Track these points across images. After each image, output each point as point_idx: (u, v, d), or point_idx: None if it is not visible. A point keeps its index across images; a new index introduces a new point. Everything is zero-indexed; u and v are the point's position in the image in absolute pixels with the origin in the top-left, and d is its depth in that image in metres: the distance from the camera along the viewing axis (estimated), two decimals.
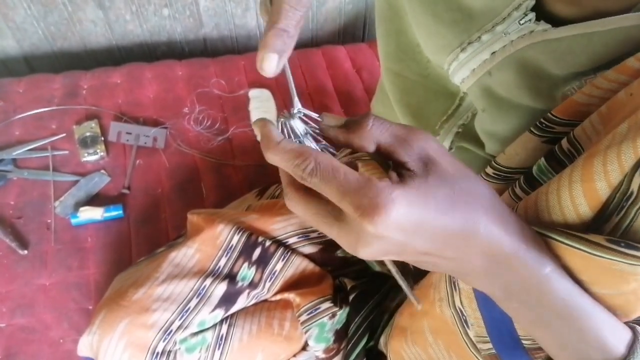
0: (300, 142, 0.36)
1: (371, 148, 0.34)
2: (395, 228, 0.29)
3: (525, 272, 0.34)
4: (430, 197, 0.30)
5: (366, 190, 0.29)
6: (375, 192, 0.29)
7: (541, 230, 0.36)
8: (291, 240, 0.77)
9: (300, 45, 1.41)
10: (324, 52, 1.29)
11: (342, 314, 0.73)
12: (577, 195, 0.35)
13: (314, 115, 0.36)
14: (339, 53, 1.28)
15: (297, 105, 0.37)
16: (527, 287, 0.35)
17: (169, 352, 0.67)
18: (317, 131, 0.36)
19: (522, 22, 0.47)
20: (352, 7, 1.43)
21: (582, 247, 0.34)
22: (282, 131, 0.36)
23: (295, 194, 0.34)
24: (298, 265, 0.76)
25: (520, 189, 0.46)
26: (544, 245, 0.35)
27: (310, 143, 0.36)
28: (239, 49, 1.44)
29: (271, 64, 0.35)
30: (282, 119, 0.36)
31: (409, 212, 0.29)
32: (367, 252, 0.31)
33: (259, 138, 0.34)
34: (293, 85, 0.38)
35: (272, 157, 0.33)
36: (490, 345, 0.47)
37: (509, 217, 0.34)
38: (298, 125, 0.36)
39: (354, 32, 1.51)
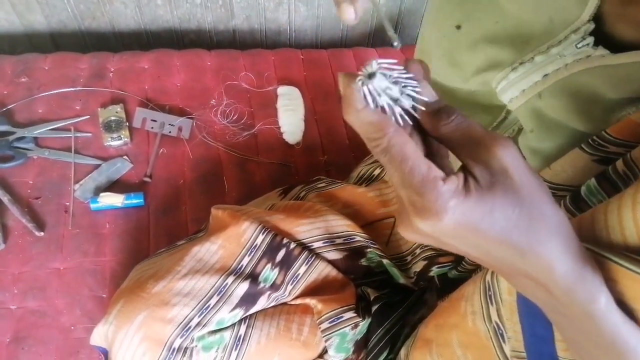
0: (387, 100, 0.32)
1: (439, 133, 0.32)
2: (440, 233, 0.30)
3: (573, 307, 0.32)
4: (487, 215, 0.29)
5: (426, 192, 0.29)
6: (435, 196, 0.28)
7: (602, 252, 0.34)
8: (316, 245, 0.75)
9: (330, 45, 1.39)
10: (355, 53, 1.27)
11: (364, 324, 0.71)
12: None
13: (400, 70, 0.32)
14: (370, 55, 1.26)
15: (396, 39, 0.35)
16: (571, 317, 0.33)
17: (186, 349, 0.65)
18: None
19: (579, 45, 0.45)
20: (385, 10, 1.41)
21: None
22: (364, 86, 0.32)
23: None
24: (321, 270, 0.75)
25: (565, 209, 0.44)
26: (599, 275, 0.33)
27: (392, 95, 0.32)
28: (267, 44, 1.42)
29: (348, 12, 0.38)
30: (364, 76, 0.32)
31: (460, 223, 0.29)
32: (408, 236, 0.32)
33: (341, 92, 0.33)
34: (387, 21, 0.38)
35: (350, 121, 0.32)
36: None
37: (572, 246, 0.32)
38: (380, 84, 0.32)
39: (384, 35, 1.48)
